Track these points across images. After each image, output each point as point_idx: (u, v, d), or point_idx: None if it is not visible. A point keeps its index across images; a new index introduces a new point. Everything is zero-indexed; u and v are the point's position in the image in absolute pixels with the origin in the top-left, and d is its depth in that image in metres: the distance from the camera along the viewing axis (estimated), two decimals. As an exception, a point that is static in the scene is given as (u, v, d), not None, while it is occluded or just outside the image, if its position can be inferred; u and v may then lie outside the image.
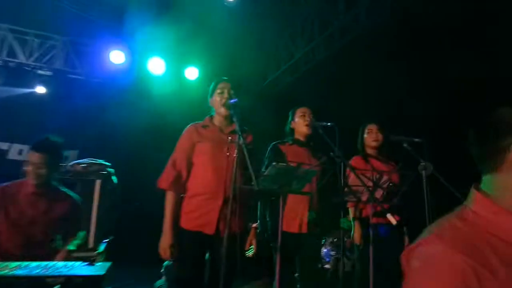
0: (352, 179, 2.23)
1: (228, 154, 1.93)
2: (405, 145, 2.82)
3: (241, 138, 1.66)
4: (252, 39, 5.80)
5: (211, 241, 1.96)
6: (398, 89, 4.33)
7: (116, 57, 5.76)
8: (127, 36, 5.59)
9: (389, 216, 1.62)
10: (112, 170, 3.25)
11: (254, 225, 2.09)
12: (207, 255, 2.03)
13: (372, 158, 2.87)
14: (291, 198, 2.27)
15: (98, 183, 3.08)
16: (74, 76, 6.14)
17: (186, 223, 2.00)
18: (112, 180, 3.47)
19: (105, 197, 3.16)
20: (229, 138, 1.72)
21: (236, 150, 1.71)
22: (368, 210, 2.68)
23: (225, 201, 1.94)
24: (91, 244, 3.00)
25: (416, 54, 4.35)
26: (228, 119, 2.16)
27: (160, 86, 6.04)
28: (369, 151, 2.90)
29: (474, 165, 0.89)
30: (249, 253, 2.06)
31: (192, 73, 6.32)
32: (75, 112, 5.65)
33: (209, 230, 1.94)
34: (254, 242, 2.05)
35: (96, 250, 2.97)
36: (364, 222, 2.57)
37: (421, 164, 2.53)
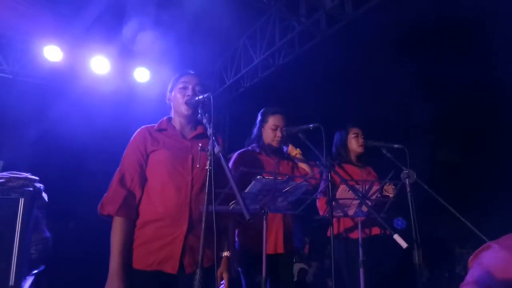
0: (340, 191, 1.95)
1: (198, 166, 1.51)
2: (384, 151, 2.64)
3: (217, 145, 1.27)
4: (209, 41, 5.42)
5: (174, 282, 1.51)
6: (363, 93, 4.26)
7: (52, 53, 5.00)
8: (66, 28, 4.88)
9: (397, 237, 1.34)
10: (40, 185, 2.63)
11: (226, 253, 1.67)
12: None
13: (349, 165, 2.63)
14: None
15: (21, 202, 2.45)
16: (-1, 75, 5.26)
17: (138, 261, 1.51)
18: (42, 198, 2.85)
19: (31, 219, 2.53)
20: (200, 145, 1.32)
21: (209, 161, 1.30)
22: (348, 225, 2.44)
23: (190, 227, 1.53)
24: (11, 281, 2.36)
25: (379, 59, 4.33)
26: (191, 120, 1.74)
27: (105, 87, 5.38)
28: (352, 157, 2.66)
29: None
30: None
31: (142, 74, 5.74)
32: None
33: (171, 267, 1.49)
34: (226, 275, 1.62)
35: (19, 288, 2.37)
36: (350, 241, 2.30)
37: (404, 172, 2.35)
